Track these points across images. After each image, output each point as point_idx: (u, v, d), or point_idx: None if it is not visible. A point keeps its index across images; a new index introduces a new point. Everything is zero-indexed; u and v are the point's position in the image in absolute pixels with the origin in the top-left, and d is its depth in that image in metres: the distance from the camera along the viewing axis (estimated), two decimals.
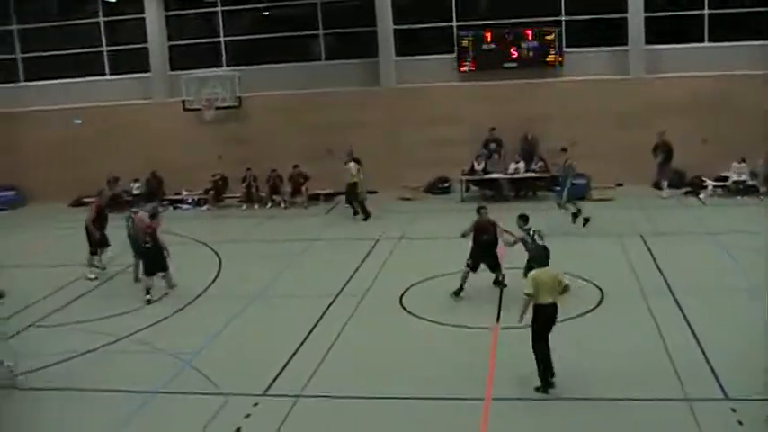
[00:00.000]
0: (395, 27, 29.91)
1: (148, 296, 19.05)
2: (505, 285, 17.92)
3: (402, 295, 18.15)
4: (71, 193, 31.28)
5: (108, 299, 19.78)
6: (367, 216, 26.23)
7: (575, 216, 23.51)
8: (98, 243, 21.46)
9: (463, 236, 18.09)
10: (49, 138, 32.03)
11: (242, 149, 30.16)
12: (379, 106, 29.75)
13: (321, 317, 17.32)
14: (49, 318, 18.50)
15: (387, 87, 29.97)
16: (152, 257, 19.29)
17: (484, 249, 17.85)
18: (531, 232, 16.96)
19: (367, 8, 29.82)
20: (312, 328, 16.64)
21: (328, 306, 17.93)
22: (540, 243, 16.11)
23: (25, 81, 33.46)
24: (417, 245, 22.83)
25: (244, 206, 29.54)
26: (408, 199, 28.52)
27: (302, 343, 15.93)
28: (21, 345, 16.83)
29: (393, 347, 15.59)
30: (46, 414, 13.83)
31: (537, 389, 13.13)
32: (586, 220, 23.41)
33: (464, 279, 17.72)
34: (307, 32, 31.02)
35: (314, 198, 29.07)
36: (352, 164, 26.63)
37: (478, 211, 18.30)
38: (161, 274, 19.37)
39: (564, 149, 24.35)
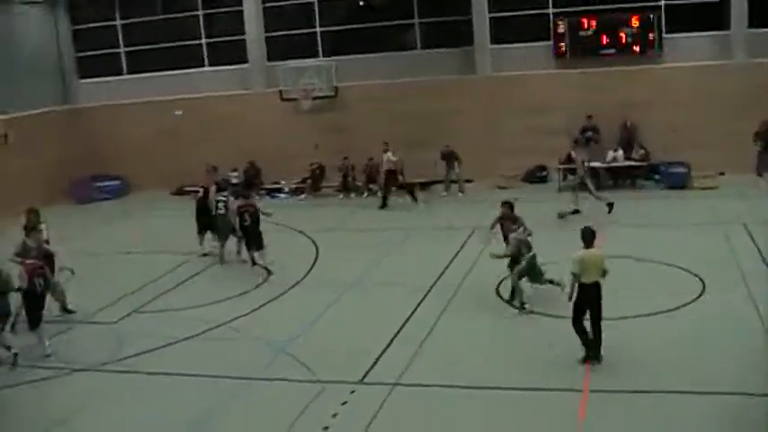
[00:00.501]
0: (490, 15, 29.68)
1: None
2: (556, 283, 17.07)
3: (499, 285, 18.02)
4: (173, 183, 31.97)
5: (207, 286, 20.18)
6: (416, 200, 27.20)
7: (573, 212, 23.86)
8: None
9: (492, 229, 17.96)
10: (151, 129, 32.79)
11: (338, 139, 30.35)
12: (475, 94, 29.58)
13: (418, 305, 17.37)
14: (150, 304, 18.97)
15: (483, 75, 29.80)
16: (254, 235, 20.87)
17: None
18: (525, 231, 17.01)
19: None
20: (409, 317, 16.70)
21: (425, 294, 17.97)
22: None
23: (128, 74, 34.29)
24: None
25: (341, 195, 29.73)
26: (505, 188, 28.27)
27: (398, 331, 16.01)
28: (122, 330, 17.37)
29: (489, 337, 15.58)
30: (143, 398, 14.23)
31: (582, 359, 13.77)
32: (611, 206, 23.83)
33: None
34: (402, 21, 31.00)
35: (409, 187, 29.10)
36: (389, 153, 27.36)
37: (502, 205, 18.00)
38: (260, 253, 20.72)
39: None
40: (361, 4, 32.05)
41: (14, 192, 28.92)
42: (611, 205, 23.89)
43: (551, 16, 29.11)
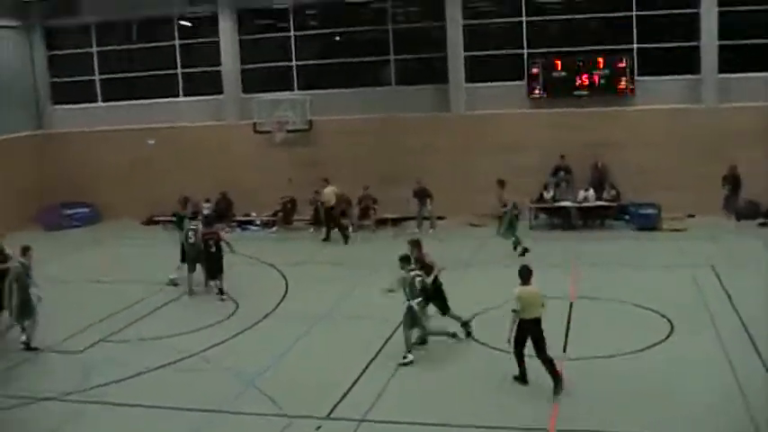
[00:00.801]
0: (465, 54, 29.93)
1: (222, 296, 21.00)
2: (469, 333, 17.37)
3: (470, 320, 17.99)
4: (144, 212, 31.85)
5: (176, 317, 20.09)
6: (346, 240, 27.68)
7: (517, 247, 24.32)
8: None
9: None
10: (124, 157, 32.72)
11: (311, 172, 30.31)
12: (449, 132, 29.74)
13: (387, 339, 17.35)
14: (119, 333, 18.85)
15: (457, 113, 30.00)
16: (215, 261, 21.32)
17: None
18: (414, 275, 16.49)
19: (438, 34, 29.94)
20: (378, 351, 16.69)
21: (395, 329, 17.89)
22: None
23: (103, 101, 34.23)
24: (482, 272, 22.68)
25: (312, 229, 29.70)
26: (477, 225, 28.38)
27: (367, 366, 15.99)
28: (89, 359, 17.22)
29: (455, 374, 15.57)
30: (108, 430, 14.15)
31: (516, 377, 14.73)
32: (525, 250, 24.05)
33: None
34: (378, 57, 31.18)
35: (382, 222, 29.12)
36: (328, 188, 28.15)
37: (409, 243, 17.71)
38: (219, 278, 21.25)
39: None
40: (338, 39, 32.18)
41: None
42: (525, 250, 24.20)
43: (526, 57, 29.37)
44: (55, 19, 34.17)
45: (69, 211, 32.67)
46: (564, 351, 16.11)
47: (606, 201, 27.82)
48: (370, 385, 15.04)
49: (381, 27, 30.82)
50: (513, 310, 14.26)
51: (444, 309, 17.43)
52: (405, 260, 16.67)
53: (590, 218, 28.09)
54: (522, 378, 14.70)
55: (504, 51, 30.00)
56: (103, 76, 34.16)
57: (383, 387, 14.95)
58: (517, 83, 29.50)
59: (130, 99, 33.60)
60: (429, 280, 16.86)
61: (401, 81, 30.91)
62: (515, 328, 14.34)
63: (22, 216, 30.56)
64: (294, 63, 31.83)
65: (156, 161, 32.37)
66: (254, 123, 31.34)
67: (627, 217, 27.65)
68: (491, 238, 25.86)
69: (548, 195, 28.17)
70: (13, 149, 32.06)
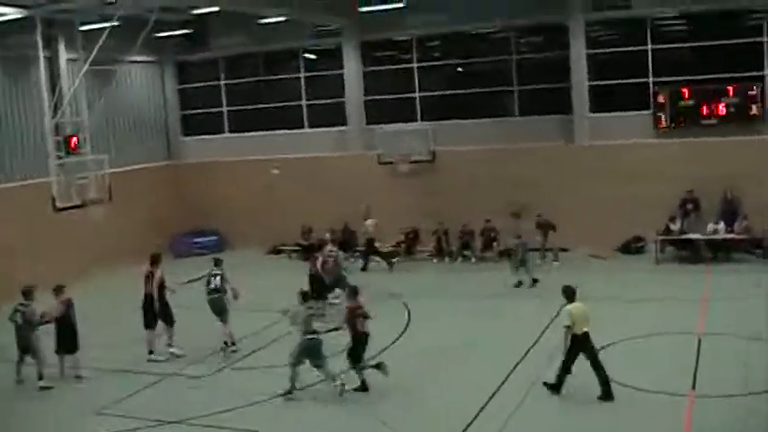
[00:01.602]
0: (589, 83, 29.55)
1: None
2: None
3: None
4: (268, 241, 32.40)
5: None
6: (391, 267, 28.83)
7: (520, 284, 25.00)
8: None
9: None
10: (249, 187, 33.50)
11: (434, 203, 30.39)
12: (572, 163, 29.36)
13: (510, 372, 17.16)
14: (242, 360, 19.13)
15: (581, 144, 29.60)
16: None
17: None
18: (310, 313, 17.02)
19: (561, 64, 29.65)
20: (501, 384, 16.49)
21: (518, 362, 17.74)
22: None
23: (230, 132, 35.15)
24: (607, 306, 22.19)
25: (434, 260, 29.67)
26: (600, 257, 27.89)
27: (490, 398, 15.81)
28: (213, 385, 17.55)
29: (581, 408, 15.23)
30: None
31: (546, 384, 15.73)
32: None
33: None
34: (501, 88, 31.09)
35: (504, 254, 28.83)
36: (369, 221, 29.06)
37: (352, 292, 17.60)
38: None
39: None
40: (460, 70, 32.24)
41: (115, 246, 29.77)
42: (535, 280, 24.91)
43: (651, 86, 28.81)
44: (186, 54, 35.37)
45: (196, 239, 33.52)
46: (693, 387, 15.62)
47: (737, 233, 26.91)
48: (495, 416, 14.90)
49: (504, 57, 30.73)
50: (566, 326, 15.34)
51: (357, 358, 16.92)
52: (303, 296, 17.37)
53: (720, 251, 27.19)
54: (557, 387, 15.66)
55: (629, 81, 29.39)
56: (231, 108, 35.17)
57: (508, 417, 14.79)
58: (643, 112, 28.90)
59: (257, 130, 34.51)
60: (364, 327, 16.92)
61: (524, 111, 30.71)
62: (568, 342, 15.38)
63: (153, 243, 31.41)
64: (417, 94, 32.02)
65: (280, 191, 32.95)
66: (378, 154, 31.57)
67: (758, 250, 26.67)
68: (614, 272, 25.44)
69: (675, 227, 27.43)
70: (146, 179, 33.25)
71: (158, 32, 31.09)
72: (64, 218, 24.56)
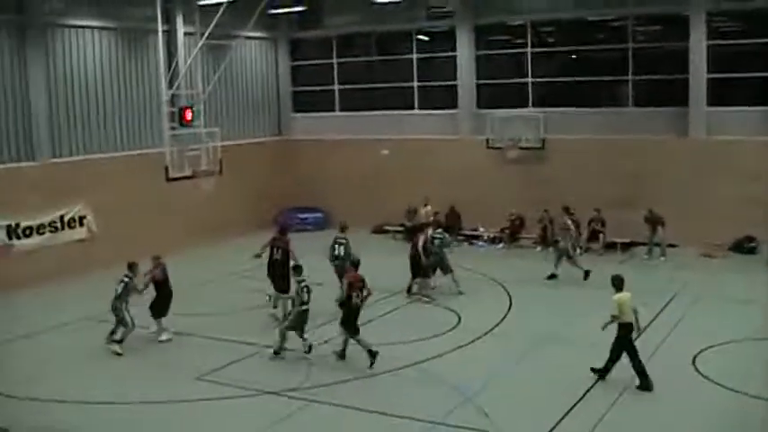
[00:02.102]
0: (708, 75, 28.68)
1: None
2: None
3: (695, 357, 17.30)
4: (373, 220, 32.55)
5: (398, 325, 20.35)
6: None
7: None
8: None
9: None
10: (357, 165, 33.77)
11: (541, 191, 30.06)
12: (685, 157, 28.56)
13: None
14: (341, 337, 19.29)
15: (696, 137, 28.81)
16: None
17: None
18: (303, 285, 17.90)
19: (680, 55, 28.84)
20: (598, 379, 16.23)
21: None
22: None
23: (340, 111, 35.40)
24: (716, 305, 21.70)
25: (538, 248, 29.38)
26: (711, 256, 27.19)
27: (586, 392, 15.61)
28: (311, 359, 17.77)
29: (681, 410, 14.86)
30: (323, 429, 14.62)
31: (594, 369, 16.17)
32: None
33: None
34: (615, 77, 30.49)
35: (610, 246, 28.35)
36: (426, 208, 29.71)
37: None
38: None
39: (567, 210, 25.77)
40: (574, 57, 31.72)
41: (222, 217, 30.40)
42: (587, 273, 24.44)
43: None
44: (300, 31, 35.75)
45: (302, 215, 33.88)
46: None
47: None
48: (588, 412, 14.65)
49: (621, 46, 30.06)
50: (613, 316, 15.91)
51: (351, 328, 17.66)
52: (296, 269, 18.52)
53: None
54: (603, 373, 16.12)
55: (750, 74, 28.46)
56: (342, 87, 35.35)
57: (602, 416, 14.51)
58: (764, 108, 27.88)
59: (367, 110, 34.63)
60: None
61: (638, 102, 30.01)
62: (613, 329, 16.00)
63: (261, 217, 31.96)
64: (530, 80, 31.62)
65: (388, 171, 33.12)
66: (487, 139, 31.38)
67: None
68: (723, 271, 24.87)
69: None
70: (256, 154, 33.80)
71: (273, 9, 31.47)
72: (174, 188, 25.08)
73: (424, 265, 22.91)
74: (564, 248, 24.86)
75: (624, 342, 15.91)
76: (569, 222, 25.16)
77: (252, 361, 17.97)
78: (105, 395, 16.10)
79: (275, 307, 21.03)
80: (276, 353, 17.93)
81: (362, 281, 17.72)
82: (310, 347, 17.90)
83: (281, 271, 20.84)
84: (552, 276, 24.65)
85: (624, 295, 16.03)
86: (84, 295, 23.64)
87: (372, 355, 17.23)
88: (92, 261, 26.30)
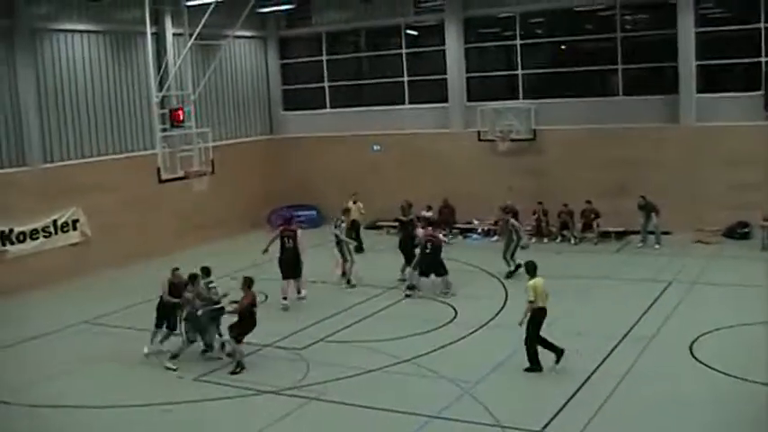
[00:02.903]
0: (697, 62, 28.72)
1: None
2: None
3: (692, 343, 17.35)
4: (367, 216, 32.49)
5: (394, 321, 20.37)
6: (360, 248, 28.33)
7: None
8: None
9: None
10: (349, 162, 33.76)
11: (534, 182, 30.11)
12: (677, 144, 28.62)
13: (606, 358, 16.91)
14: (338, 334, 19.35)
15: (686, 125, 28.82)
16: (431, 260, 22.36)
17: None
18: (210, 285, 18.09)
19: (668, 43, 28.86)
20: (595, 369, 16.27)
21: (614, 347, 17.48)
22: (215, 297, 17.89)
23: (330, 108, 35.38)
24: (711, 291, 21.76)
25: (533, 239, 29.38)
26: (704, 242, 27.26)
27: (585, 381, 15.63)
28: (309, 357, 17.78)
29: (680, 398, 14.86)
30: (322, 426, 14.62)
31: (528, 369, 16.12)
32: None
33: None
34: (605, 67, 30.51)
35: (605, 235, 28.41)
36: (355, 205, 29.06)
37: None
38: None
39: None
40: (563, 47, 31.75)
41: (216, 217, 30.40)
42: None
43: (763, 65, 27.86)
44: (289, 29, 35.78)
45: (295, 214, 33.74)
46: None
47: None
48: (587, 404, 14.66)
49: (609, 35, 30.06)
50: (529, 301, 16.05)
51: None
52: (204, 271, 18.36)
53: None
54: (535, 363, 16.21)
55: (739, 60, 28.50)
56: (332, 84, 35.33)
57: (600, 405, 14.54)
58: (753, 93, 27.95)
59: (357, 106, 34.65)
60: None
61: (628, 91, 29.99)
62: (528, 315, 16.12)
63: (254, 216, 32.01)
64: (519, 72, 31.62)
65: (379, 167, 33.14)
66: (479, 132, 31.39)
67: None
68: (718, 257, 24.94)
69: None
70: (248, 153, 33.84)
71: (262, 8, 31.45)
72: (167, 189, 25.11)
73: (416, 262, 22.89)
74: (507, 243, 24.68)
75: (536, 325, 16.19)
76: (512, 221, 24.99)
77: (250, 360, 17.96)
78: (104, 399, 16.12)
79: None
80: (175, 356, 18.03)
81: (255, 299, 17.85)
82: (223, 345, 18.15)
83: (293, 259, 22.04)
84: (517, 268, 23.65)
85: (538, 280, 16.29)
86: (80, 299, 23.65)
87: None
88: (86, 265, 26.33)
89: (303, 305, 21.96)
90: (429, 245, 22.34)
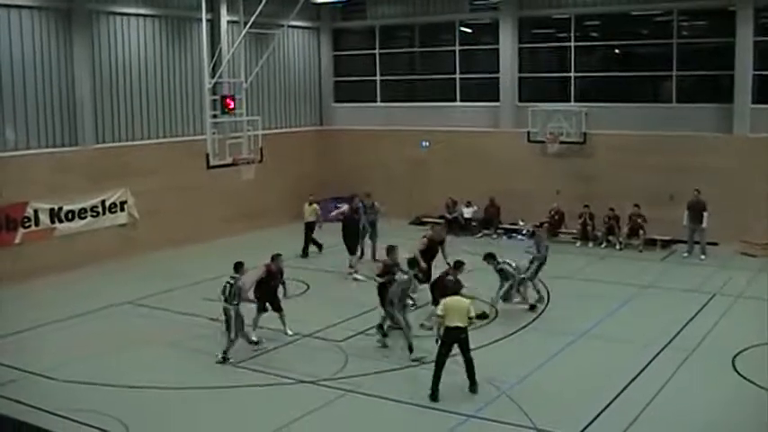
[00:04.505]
0: (754, 72, 28.29)
1: None
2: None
3: (735, 357, 17.12)
4: (412, 211, 32.55)
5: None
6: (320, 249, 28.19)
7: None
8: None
9: None
10: (397, 156, 33.80)
11: (582, 186, 29.90)
12: (728, 154, 28.18)
13: (646, 366, 16.74)
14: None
15: (740, 135, 28.43)
16: None
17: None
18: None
19: (725, 51, 28.46)
20: (635, 377, 16.13)
21: (655, 356, 17.32)
22: None
23: (381, 101, 35.39)
24: (757, 305, 21.45)
25: (578, 243, 29.19)
26: (752, 255, 26.88)
27: (623, 390, 15.50)
28: (347, 349, 18.00)
29: (717, 412, 14.71)
30: (359, 418, 14.69)
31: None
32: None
33: None
34: (659, 72, 30.20)
35: (650, 243, 28.11)
36: (311, 206, 27.97)
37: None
38: None
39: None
40: (617, 51, 31.46)
41: (264, 206, 30.61)
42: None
43: None
44: (342, 21, 35.84)
45: (339, 205, 33.80)
46: None
47: None
48: (625, 410, 14.54)
49: (665, 41, 29.72)
50: (438, 316, 15.34)
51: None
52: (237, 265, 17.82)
53: None
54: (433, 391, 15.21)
55: None
56: (384, 78, 35.34)
57: (640, 412, 14.42)
58: None
59: (408, 101, 34.66)
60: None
61: (682, 98, 29.62)
62: (441, 331, 15.30)
63: (301, 207, 32.03)
64: (572, 74, 31.39)
65: (427, 163, 33.14)
66: (528, 132, 31.23)
67: None
68: (764, 270, 24.59)
69: None
70: (297, 142, 34.04)
71: None
72: (215, 175, 25.32)
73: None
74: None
75: (445, 347, 15.32)
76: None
77: (289, 349, 18.07)
78: (138, 380, 16.30)
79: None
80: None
81: None
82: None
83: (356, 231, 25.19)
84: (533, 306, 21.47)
85: (452, 299, 15.42)
86: (124, 280, 23.93)
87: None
88: (133, 246, 26.65)
89: (344, 297, 22.02)
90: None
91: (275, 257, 19.34)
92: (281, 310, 18.91)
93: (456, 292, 16.05)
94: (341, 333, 18.97)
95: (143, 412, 14.88)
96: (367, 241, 26.42)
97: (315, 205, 28.01)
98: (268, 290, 18.91)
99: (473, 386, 15.40)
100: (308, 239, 27.81)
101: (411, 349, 17.29)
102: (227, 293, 17.43)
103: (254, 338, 18.39)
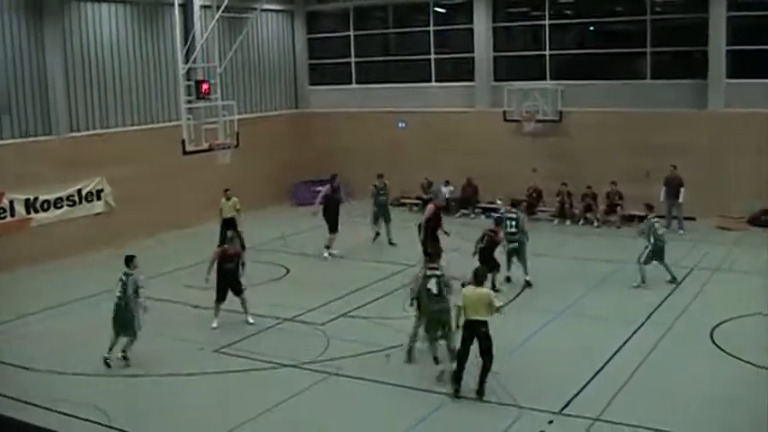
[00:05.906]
0: (728, 47, 28.41)
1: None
2: None
3: (713, 330, 17.28)
4: (390, 193, 32.46)
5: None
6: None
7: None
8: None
9: None
10: (373, 138, 33.74)
11: (558, 164, 29.99)
12: (703, 130, 28.31)
13: (625, 342, 16.88)
14: (360, 309, 19.41)
15: (714, 110, 28.57)
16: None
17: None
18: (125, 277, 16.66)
19: (699, 27, 28.53)
20: (615, 353, 16.25)
21: (634, 331, 17.45)
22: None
23: (356, 83, 35.32)
24: (734, 278, 21.64)
25: (555, 221, 29.32)
26: (728, 229, 27.07)
27: (604, 365, 15.63)
28: (331, 332, 17.91)
29: (697, 384, 14.86)
30: (341, 401, 14.73)
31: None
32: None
33: None
34: (633, 49, 30.25)
35: (628, 219, 28.20)
36: (226, 201, 25.57)
37: None
38: None
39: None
40: (592, 29, 31.49)
41: (241, 191, 30.37)
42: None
43: None
44: (316, 4, 35.74)
45: (317, 188, 33.76)
46: None
47: None
48: (607, 384, 14.68)
49: (639, 17, 29.75)
50: (458, 306, 14.53)
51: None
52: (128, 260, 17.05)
53: None
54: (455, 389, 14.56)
55: None
56: (358, 59, 35.26)
57: (620, 387, 14.54)
58: None
59: (383, 82, 34.60)
60: None
61: (656, 75, 29.71)
62: (460, 322, 14.55)
63: (278, 191, 32.06)
64: (547, 52, 31.41)
65: (403, 144, 33.13)
66: (504, 111, 31.26)
67: None
68: (740, 244, 24.78)
69: None
70: (272, 126, 33.85)
71: None
72: (191, 161, 25.19)
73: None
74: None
75: (465, 339, 14.61)
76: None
77: (271, 334, 18.08)
78: (120, 369, 16.31)
79: None
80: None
81: None
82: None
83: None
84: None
85: (472, 290, 14.48)
86: (103, 269, 23.78)
87: None
88: (110, 235, 26.46)
89: (325, 280, 22.03)
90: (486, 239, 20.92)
91: (230, 239, 19.38)
92: (242, 293, 18.77)
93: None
94: (322, 317, 18.98)
95: (125, 400, 14.88)
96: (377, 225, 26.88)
97: (234, 199, 25.60)
98: (226, 273, 18.72)
99: (481, 388, 14.42)
100: (238, 233, 23.40)
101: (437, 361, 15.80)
102: (121, 290, 16.79)
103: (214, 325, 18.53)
